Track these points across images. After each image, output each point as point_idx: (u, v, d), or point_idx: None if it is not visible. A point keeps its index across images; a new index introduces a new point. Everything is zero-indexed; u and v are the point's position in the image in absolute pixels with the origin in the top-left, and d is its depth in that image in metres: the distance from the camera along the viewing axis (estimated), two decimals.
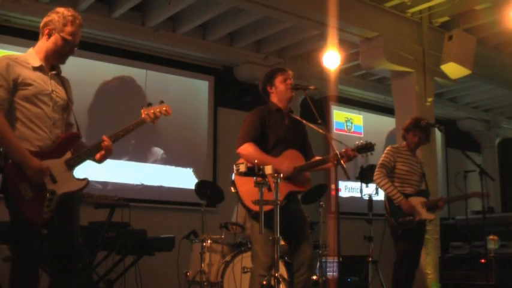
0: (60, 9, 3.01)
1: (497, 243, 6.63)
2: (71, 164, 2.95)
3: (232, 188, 3.65)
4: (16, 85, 2.85)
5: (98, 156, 3.07)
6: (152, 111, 3.21)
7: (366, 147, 3.71)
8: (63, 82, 3.11)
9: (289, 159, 3.63)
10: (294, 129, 3.83)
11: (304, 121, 3.85)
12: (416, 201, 4.96)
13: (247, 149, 3.61)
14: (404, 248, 4.92)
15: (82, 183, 3.00)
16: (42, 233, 2.94)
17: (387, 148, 5.12)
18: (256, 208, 3.39)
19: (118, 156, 6.87)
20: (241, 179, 3.55)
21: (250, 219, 3.70)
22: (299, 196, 3.88)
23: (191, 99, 7.77)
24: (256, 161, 3.31)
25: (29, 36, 6.19)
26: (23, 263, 2.83)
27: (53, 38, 2.98)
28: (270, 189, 3.36)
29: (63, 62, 3.09)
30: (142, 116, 3.20)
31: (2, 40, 6.26)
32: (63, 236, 2.97)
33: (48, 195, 2.83)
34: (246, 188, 3.52)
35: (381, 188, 5.01)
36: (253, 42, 7.76)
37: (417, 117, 5.20)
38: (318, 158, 3.82)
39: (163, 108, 3.24)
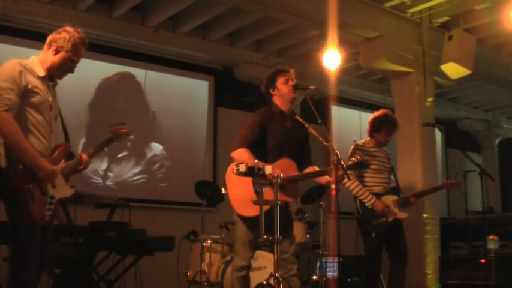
0: (71, 29, 3.18)
1: (497, 243, 6.62)
2: (65, 172, 3.14)
3: (223, 189, 3.73)
4: (26, 91, 2.96)
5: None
6: (118, 130, 3.53)
7: (360, 165, 3.75)
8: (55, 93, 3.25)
9: (281, 169, 3.60)
10: (294, 132, 3.82)
11: (307, 125, 3.83)
12: (389, 201, 4.88)
13: (240, 154, 3.65)
14: (372, 248, 4.82)
15: (71, 191, 3.19)
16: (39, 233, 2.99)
17: (351, 147, 4.97)
18: (241, 212, 3.55)
19: (117, 150, 6.91)
20: (233, 182, 3.61)
21: (235, 216, 3.73)
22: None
23: (191, 99, 7.77)
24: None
25: (29, 36, 6.20)
26: (23, 262, 2.87)
27: (60, 55, 3.12)
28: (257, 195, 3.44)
29: (60, 78, 3.25)
30: (111, 135, 3.51)
31: (2, 40, 6.26)
32: (45, 238, 3.08)
33: (49, 199, 2.98)
34: (238, 191, 3.59)
35: (350, 191, 4.85)
36: (253, 42, 7.76)
37: (386, 113, 5.04)
38: (314, 168, 3.81)
39: (126, 130, 3.57)
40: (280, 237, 3.30)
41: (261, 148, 3.70)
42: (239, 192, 3.58)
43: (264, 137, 3.73)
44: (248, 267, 3.71)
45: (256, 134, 3.71)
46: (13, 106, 2.88)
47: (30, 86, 2.96)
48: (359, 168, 3.82)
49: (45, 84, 3.09)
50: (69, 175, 3.17)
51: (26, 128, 2.96)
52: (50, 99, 3.09)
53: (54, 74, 3.18)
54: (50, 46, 3.13)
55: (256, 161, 3.42)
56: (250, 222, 3.57)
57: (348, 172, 4.62)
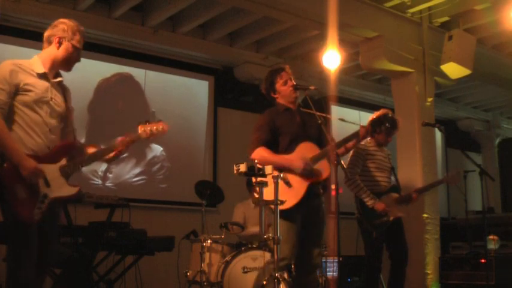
0: (65, 20, 3.17)
1: (497, 243, 6.63)
2: (66, 171, 3.06)
3: (255, 194, 3.64)
4: (17, 90, 2.96)
5: (109, 156, 3.21)
6: (149, 128, 3.27)
7: (385, 118, 3.75)
8: (64, 91, 3.21)
9: (303, 153, 3.64)
10: (306, 126, 3.83)
11: (316, 113, 3.82)
12: (389, 200, 4.87)
13: (259, 153, 3.65)
14: (373, 248, 4.82)
15: (74, 190, 3.09)
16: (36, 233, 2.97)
17: (353, 149, 4.92)
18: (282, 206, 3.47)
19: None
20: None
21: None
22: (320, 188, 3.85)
23: (191, 99, 7.76)
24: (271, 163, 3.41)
25: (29, 36, 6.20)
26: (19, 262, 2.87)
27: (64, 46, 3.11)
28: (290, 185, 3.44)
29: (70, 69, 3.22)
30: (139, 131, 3.28)
31: (2, 40, 6.26)
32: (45, 239, 3.04)
33: (40, 197, 2.93)
34: (268, 188, 3.54)
35: (351, 191, 4.86)
36: (253, 42, 7.76)
37: (386, 113, 4.98)
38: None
39: (160, 127, 3.30)
40: (281, 237, 3.30)
41: (277, 147, 3.71)
42: (270, 188, 3.47)
43: (276, 136, 3.74)
44: (290, 259, 3.65)
45: (268, 133, 3.72)
46: (2, 106, 2.90)
47: (22, 84, 2.95)
48: (381, 123, 3.88)
49: (45, 81, 3.07)
50: (71, 174, 3.09)
51: (19, 126, 2.95)
52: (50, 97, 3.06)
53: (62, 68, 3.17)
54: (49, 42, 3.12)
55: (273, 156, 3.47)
56: (288, 214, 3.53)
57: (347, 172, 4.67)
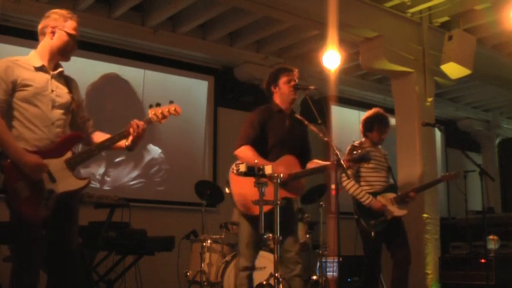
0: (56, 10, 3.12)
1: (497, 243, 6.62)
2: (71, 164, 2.96)
3: (227, 189, 3.69)
4: (15, 86, 2.90)
5: (124, 143, 3.14)
6: (160, 111, 3.16)
7: (363, 159, 3.75)
8: (68, 82, 3.14)
9: (285, 165, 3.62)
10: (294, 130, 3.83)
11: (306, 122, 3.85)
12: (386, 199, 4.85)
13: (244, 151, 3.64)
14: (371, 248, 4.80)
15: (83, 183, 2.99)
16: (42, 234, 2.93)
17: (348, 148, 4.80)
18: (252, 211, 3.45)
19: (115, 154, 6.88)
20: (237, 181, 3.58)
21: (239, 217, 3.72)
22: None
23: (191, 99, 7.76)
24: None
25: (29, 36, 6.17)
26: (23, 263, 2.83)
27: (58, 35, 3.05)
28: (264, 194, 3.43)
29: (68, 59, 3.13)
30: (150, 115, 3.17)
31: (2, 40, 6.26)
32: (62, 237, 2.97)
33: (46, 193, 2.83)
34: (243, 190, 3.56)
35: (347, 191, 4.83)
36: (253, 42, 7.76)
37: (377, 112, 5.02)
38: (315, 161, 3.82)
39: (172, 108, 3.17)
40: (281, 237, 3.30)
41: (262, 146, 3.70)
42: (245, 190, 3.51)
43: (264, 135, 3.74)
44: (252, 268, 3.70)
45: (258, 131, 3.71)
46: (0, 104, 2.85)
47: (19, 80, 2.90)
48: (362, 161, 3.84)
49: (44, 73, 3.01)
50: (78, 165, 2.99)
51: (19, 122, 2.89)
52: (51, 89, 2.99)
53: (60, 57, 3.09)
54: (43, 33, 3.07)
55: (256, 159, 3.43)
56: (256, 220, 3.47)
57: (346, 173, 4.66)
